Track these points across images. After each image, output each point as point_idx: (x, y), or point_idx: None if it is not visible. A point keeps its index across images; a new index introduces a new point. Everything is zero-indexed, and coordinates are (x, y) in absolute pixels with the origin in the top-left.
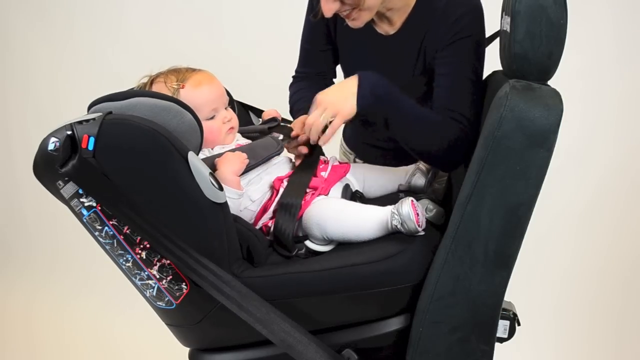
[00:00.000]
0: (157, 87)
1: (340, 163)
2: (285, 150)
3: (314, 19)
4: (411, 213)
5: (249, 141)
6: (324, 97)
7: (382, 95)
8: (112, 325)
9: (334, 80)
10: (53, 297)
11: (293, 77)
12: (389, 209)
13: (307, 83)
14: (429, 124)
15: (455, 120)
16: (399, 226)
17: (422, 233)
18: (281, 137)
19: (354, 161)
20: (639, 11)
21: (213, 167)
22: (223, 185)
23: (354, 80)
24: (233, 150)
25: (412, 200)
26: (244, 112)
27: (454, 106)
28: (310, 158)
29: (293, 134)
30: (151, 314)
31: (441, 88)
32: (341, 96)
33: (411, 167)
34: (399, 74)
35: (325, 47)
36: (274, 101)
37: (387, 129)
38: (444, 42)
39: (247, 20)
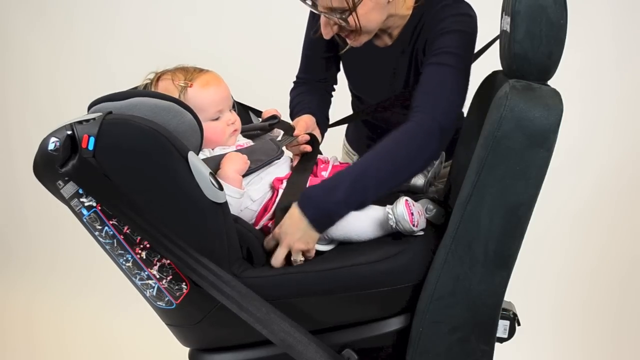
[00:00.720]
0: (164, 84)
1: (340, 163)
2: (284, 153)
3: (314, 35)
4: (405, 213)
5: (250, 141)
6: (282, 235)
7: (336, 205)
8: (112, 325)
9: (335, 87)
10: (53, 297)
11: (294, 82)
12: (386, 208)
13: (308, 87)
14: (397, 161)
15: (415, 122)
16: (394, 226)
17: (421, 233)
18: (280, 137)
19: None
20: (639, 11)
21: (217, 168)
22: (225, 184)
23: (293, 210)
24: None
25: (406, 200)
26: (244, 112)
27: (428, 99)
28: (307, 158)
29: (295, 133)
30: (151, 314)
31: (422, 77)
32: (297, 232)
33: None
34: (396, 85)
35: (326, 55)
36: (274, 102)
37: (362, 204)
38: (430, 37)
39: (248, 20)
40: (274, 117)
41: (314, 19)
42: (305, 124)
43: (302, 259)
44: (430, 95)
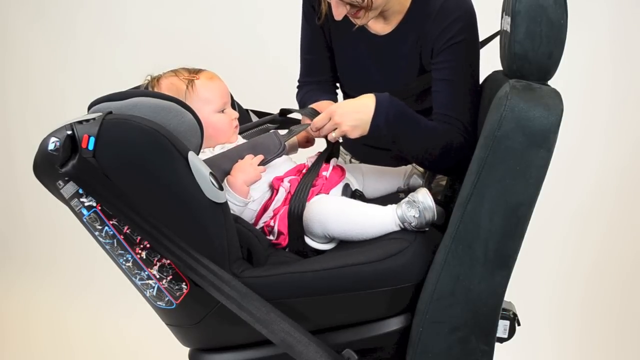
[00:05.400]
0: (168, 81)
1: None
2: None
3: (319, 22)
4: (431, 201)
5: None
6: (337, 112)
7: (395, 123)
8: (111, 325)
9: (338, 85)
10: (52, 297)
11: (297, 86)
12: (402, 201)
13: (314, 87)
14: (432, 137)
15: (455, 128)
16: (416, 216)
17: (427, 229)
18: (285, 131)
19: (350, 161)
20: (639, 11)
21: (227, 171)
22: (230, 191)
23: (370, 103)
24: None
25: (426, 190)
26: (244, 112)
27: (452, 113)
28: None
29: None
30: (151, 314)
31: (439, 94)
32: (355, 119)
33: (409, 168)
34: (394, 74)
35: (326, 54)
36: (275, 102)
37: (393, 145)
38: (438, 47)
39: (249, 19)
40: (283, 110)
41: (308, 13)
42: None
43: (340, 140)
44: (453, 114)
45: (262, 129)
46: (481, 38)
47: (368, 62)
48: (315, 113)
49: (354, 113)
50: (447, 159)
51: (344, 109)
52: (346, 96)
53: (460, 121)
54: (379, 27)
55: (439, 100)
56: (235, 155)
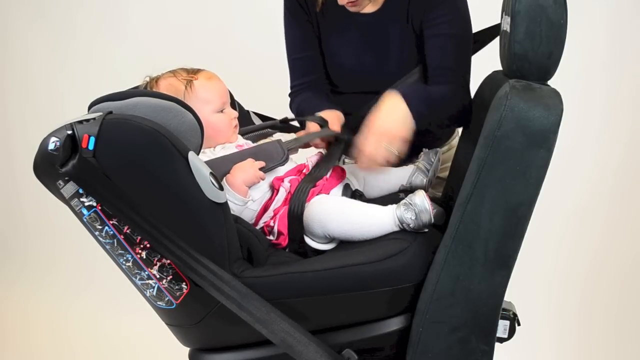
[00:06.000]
0: (167, 82)
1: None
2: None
3: (319, 7)
4: (427, 204)
5: (249, 142)
6: (380, 129)
7: (423, 99)
8: (111, 325)
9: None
10: (52, 297)
11: (291, 93)
12: (400, 203)
13: (311, 92)
14: (447, 102)
15: (458, 85)
16: (413, 218)
17: (426, 230)
18: (289, 138)
19: (344, 162)
20: (639, 11)
21: (224, 170)
22: (230, 191)
23: (395, 99)
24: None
25: (424, 192)
26: (245, 113)
27: (452, 66)
28: (327, 159)
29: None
30: (151, 314)
31: (434, 49)
32: (398, 120)
33: (410, 167)
34: (390, 50)
35: (318, 49)
36: (276, 102)
37: (429, 125)
38: (428, 6)
39: (250, 19)
40: (286, 118)
41: (295, 16)
42: (338, 119)
43: (396, 152)
44: (453, 67)
45: (262, 134)
46: (479, 37)
47: (359, 45)
48: (323, 121)
49: (392, 116)
50: (459, 117)
51: (382, 121)
52: (335, 95)
53: (460, 75)
54: (367, 6)
55: (436, 55)
56: (237, 160)
